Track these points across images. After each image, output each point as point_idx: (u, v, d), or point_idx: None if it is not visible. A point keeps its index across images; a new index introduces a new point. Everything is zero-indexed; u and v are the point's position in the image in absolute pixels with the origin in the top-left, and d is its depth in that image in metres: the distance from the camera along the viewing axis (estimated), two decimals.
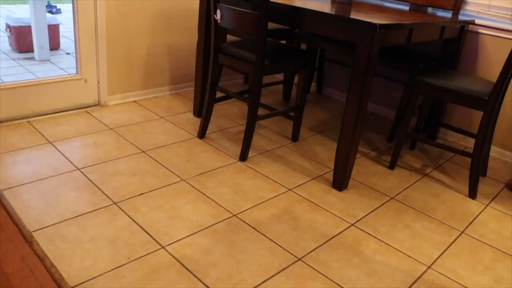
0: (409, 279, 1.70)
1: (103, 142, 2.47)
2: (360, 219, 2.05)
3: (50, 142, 2.41)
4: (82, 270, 1.56)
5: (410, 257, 1.83)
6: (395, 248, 1.87)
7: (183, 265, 1.64)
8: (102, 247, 1.68)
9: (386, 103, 3.31)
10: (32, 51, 3.96)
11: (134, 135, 2.60)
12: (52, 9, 5.78)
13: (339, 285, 1.63)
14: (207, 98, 2.58)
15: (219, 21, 2.37)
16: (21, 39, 4.00)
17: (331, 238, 1.89)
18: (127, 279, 1.54)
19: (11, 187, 1.98)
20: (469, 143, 2.99)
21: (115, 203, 1.95)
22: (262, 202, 2.08)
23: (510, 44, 2.68)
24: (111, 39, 2.84)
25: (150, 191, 2.08)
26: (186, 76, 3.39)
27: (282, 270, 1.67)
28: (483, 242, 1.99)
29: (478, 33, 2.79)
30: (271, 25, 3.30)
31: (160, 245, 1.73)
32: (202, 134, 2.65)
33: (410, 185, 2.39)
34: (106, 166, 2.24)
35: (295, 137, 2.74)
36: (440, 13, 2.86)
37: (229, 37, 3.46)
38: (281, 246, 1.80)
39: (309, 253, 1.78)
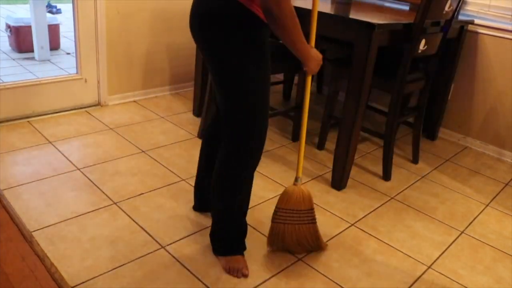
0: (409, 279, 1.70)
1: (103, 142, 2.47)
2: (360, 219, 2.05)
3: (50, 142, 2.41)
4: (82, 270, 1.56)
5: (410, 257, 1.83)
6: (395, 248, 1.87)
7: (183, 265, 1.64)
8: (102, 247, 1.68)
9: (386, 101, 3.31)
10: (32, 51, 3.96)
11: (134, 135, 2.60)
12: (52, 9, 5.78)
13: (339, 285, 1.63)
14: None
15: None
16: (21, 39, 4.00)
17: (331, 238, 1.89)
18: (127, 279, 1.54)
19: (11, 187, 1.98)
20: (469, 143, 2.99)
21: (115, 203, 1.95)
22: (262, 202, 2.08)
23: (510, 44, 2.68)
24: (111, 39, 2.84)
25: (150, 191, 2.08)
26: (186, 76, 3.39)
27: (282, 270, 1.67)
28: (483, 242, 1.99)
29: (477, 33, 2.79)
30: None
31: (160, 245, 1.73)
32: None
33: (410, 185, 2.39)
34: (106, 166, 2.24)
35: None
36: None
37: None
38: None
39: (309, 253, 1.78)
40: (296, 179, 1.67)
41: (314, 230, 1.73)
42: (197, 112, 2.96)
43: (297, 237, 1.71)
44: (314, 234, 1.73)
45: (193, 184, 2.16)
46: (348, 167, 2.23)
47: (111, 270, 1.58)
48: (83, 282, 1.51)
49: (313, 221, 1.72)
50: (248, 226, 1.90)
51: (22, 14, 4.14)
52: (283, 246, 1.74)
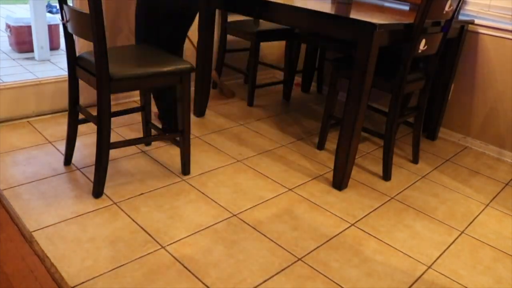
0: (409, 279, 1.70)
1: None
2: (360, 219, 2.05)
3: (50, 142, 2.41)
4: (82, 270, 1.56)
5: (410, 257, 1.83)
6: (395, 248, 1.87)
7: (183, 265, 1.64)
8: (102, 247, 1.68)
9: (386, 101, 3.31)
10: (32, 51, 3.95)
11: (134, 135, 2.60)
12: (52, 9, 5.78)
13: (339, 285, 1.63)
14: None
15: None
16: (21, 39, 3.99)
17: (331, 238, 1.89)
18: (127, 279, 1.54)
19: (11, 187, 1.98)
20: (469, 143, 2.99)
21: (115, 203, 1.95)
22: (262, 202, 2.08)
23: (510, 44, 2.68)
24: (111, 39, 2.84)
25: (150, 191, 2.08)
26: None
27: (282, 270, 1.67)
28: (483, 242, 1.99)
29: (478, 33, 2.79)
30: (272, 25, 3.30)
31: (160, 245, 1.73)
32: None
33: (410, 185, 2.39)
34: None
35: (184, 170, 2.25)
36: None
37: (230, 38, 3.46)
38: (281, 246, 1.80)
39: (309, 253, 1.78)
40: None
41: None
42: (197, 113, 2.96)
43: None
44: None
45: (193, 184, 2.16)
46: (349, 167, 2.23)
47: (111, 270, 1.58)
48: (83, 282, 1.51)
49: None
50: (248, 226, 1.90)
51: (22, 14, 4.13)
52: None
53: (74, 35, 1.98)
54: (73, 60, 2.02)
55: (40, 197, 1.94)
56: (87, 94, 2.86)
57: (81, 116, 2.12)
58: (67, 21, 1.93)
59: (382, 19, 2.13)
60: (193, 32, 3.19)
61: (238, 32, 3.22)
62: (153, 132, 2.54)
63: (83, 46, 2.74)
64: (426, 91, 2.52)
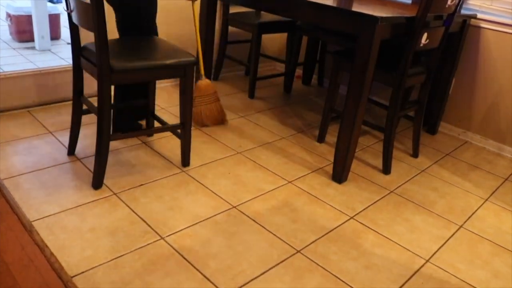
0: (407, 272, 1.71)
1: None
2: (360, 212, 2.06)
3: (50, 132, 2.41)
4: (82, 260, 1.57)
5: (409, 250, 1.84)
6: (394, 241, 1.88)
7: (182, 256, 1.65)
8: (102, 237, 1.69)
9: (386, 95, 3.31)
10: (33, 40, 3.94)
11: None
12: None
13: (338, 278, 1.64)
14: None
15: None
16: (22, 28, 3.98)
17: (330, 231, 1.89)
18: (127, 269, 1.55)
19: (12, 177, 1.99)
20: (470, 138, 2.99)
21: (115, 194, 1.96)
22: (261, 194, 2.09)
23: None
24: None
25: (150, 182, 2.08)
26: None
27: (281, 262, 1.68)
28: (481, 236, 1.99)
29: (480, 27, 2.78)
30: (273, 17, 3.29)
31: (160, 236, 1.74)
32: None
33: (410, 179, 2.40)
34: None
35: (184, 162, 2.24)
36: None
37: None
38: (280, 238, 1.81)
39: (308, 245, 1.79)
40: (200, 77, 2.62)
41: (220, 106, 2.67)
42: None
43: (210, 113, 2.62)
44: (220, 109, 2.67)
45: (193, 176, 2.17)
46: (349, 160, 2.23)
47: (111, 260, 1.59)
48: (82, 272, 1.52)
49: (217, 100, 2.66)
50: (248, 218, 1.91)
51: (22, 3, 4.11)
52: (202, 121, 2.62)
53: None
54: (77, 50, 2.01)
55: (41, 187, 1.94)
56: (91, 84, 2.85)
57: (84, 107, 2.12)
58: (71, 11, 1.92)
59: (384, 12, 2.12)
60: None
61: (239, 23, 3.21)
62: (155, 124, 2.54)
63: (87, 37, 2.72)
64: (427, 85, 2.51)
